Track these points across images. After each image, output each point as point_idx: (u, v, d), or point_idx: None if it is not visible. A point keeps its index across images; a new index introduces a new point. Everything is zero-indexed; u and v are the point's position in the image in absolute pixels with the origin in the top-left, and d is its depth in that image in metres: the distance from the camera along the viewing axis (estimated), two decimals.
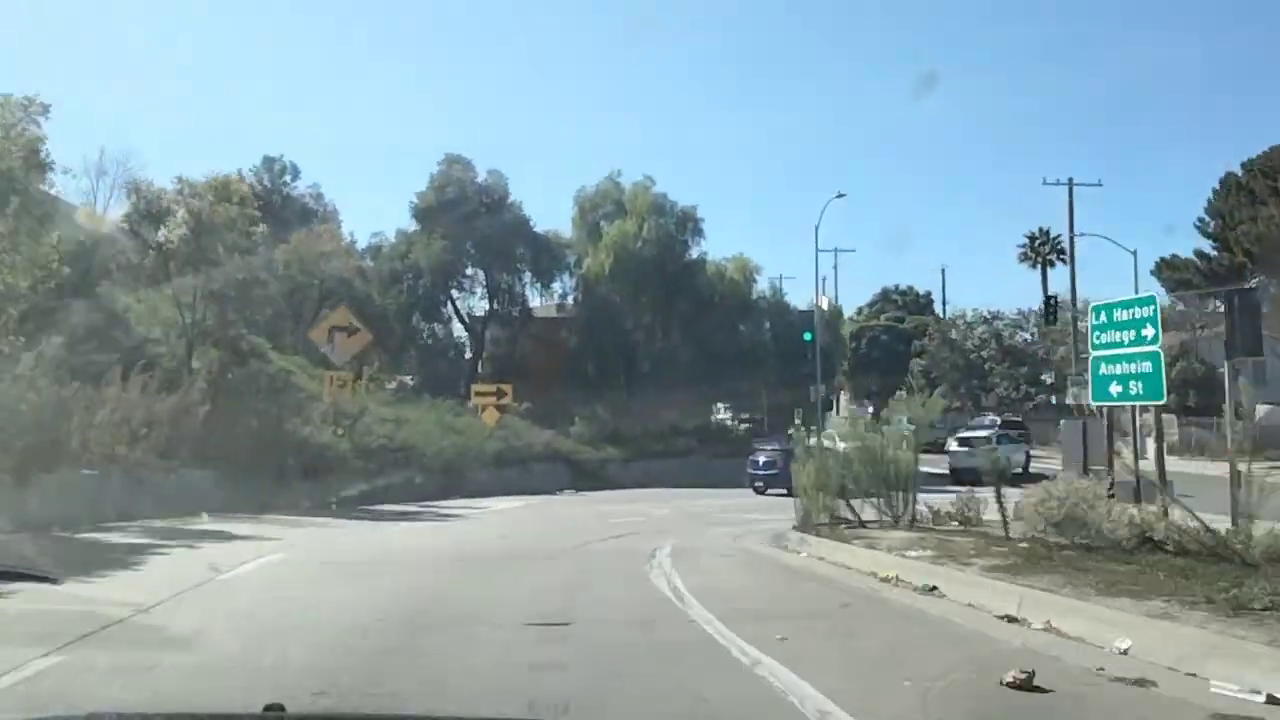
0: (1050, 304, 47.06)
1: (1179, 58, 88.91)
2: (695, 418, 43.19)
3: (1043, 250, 79.41)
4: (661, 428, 41.24)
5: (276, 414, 25.90)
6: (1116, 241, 64.45)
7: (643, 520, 22.50)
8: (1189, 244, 67.08)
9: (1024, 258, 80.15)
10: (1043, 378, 56.21)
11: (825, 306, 41.80)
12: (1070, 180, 53.18)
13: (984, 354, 59.15)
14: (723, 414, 49.42)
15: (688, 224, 42.29)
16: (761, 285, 44.85)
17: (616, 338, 41.74)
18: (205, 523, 18.91)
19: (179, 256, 25.40)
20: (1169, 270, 68.29)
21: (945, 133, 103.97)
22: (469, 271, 44.16)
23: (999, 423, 46.70)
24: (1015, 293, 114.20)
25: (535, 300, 45.88)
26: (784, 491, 28.49)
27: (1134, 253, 53.97)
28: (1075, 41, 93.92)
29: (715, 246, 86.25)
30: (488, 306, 44.94)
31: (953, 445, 42.25)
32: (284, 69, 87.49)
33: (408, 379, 42.63)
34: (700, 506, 26.99)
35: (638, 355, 41.94)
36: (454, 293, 44.66)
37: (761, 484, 32.55)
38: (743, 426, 49.43)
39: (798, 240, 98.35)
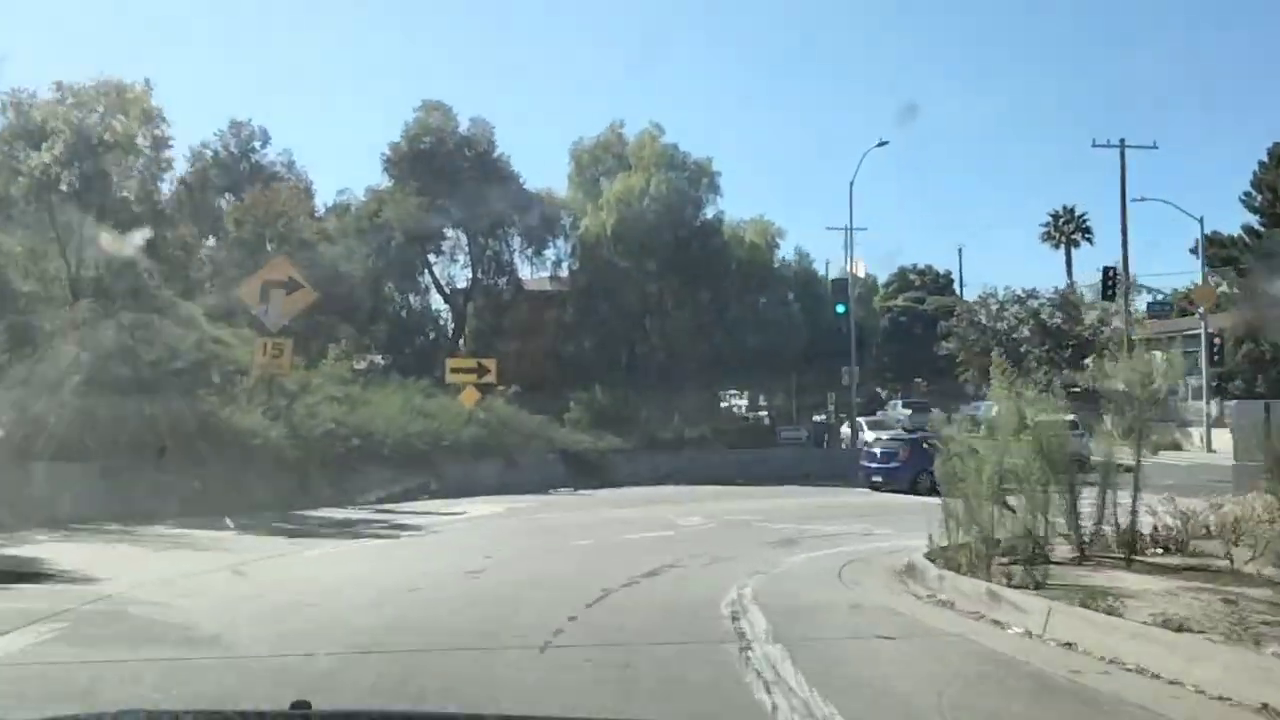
0: (1109, 276, 41.09)
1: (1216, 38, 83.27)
2: (710, 403, 37.18)
3: (1066, 229, 73.63)
4: (671, 415, 35.16)
5: (189, 392, 19.65)
6: (1180, 206, 58.85)
7: (673, 536, 16.46)
8: (1234, 219, 61.59)
9: (1047, 237, 74.46)
10: (1086, 361, 50.20)
11: (861, 273, 35.87)
12: (1122, 142, 47.35)
13: (1018, 335, 53.13)
14: (741, 399, 43.45)
15: (702, 179, 36.02)
16: (784, 252, 38.78)
17: (619, 310, 35.53)
18: None
19: (58, 186, 19.20)
20: (1214, 247, 62.49)
21: (967, 109, 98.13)
22: (449, 234, 37.83)
23: None
24: (1036, 274, 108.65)
25: (526, 270, 39.61)
26: (900, 490, 24.98)
27: (1200, 219, 48.39)
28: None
29: (733, 207, 76.00)
30: (471, 276, 38.66)
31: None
32: (247, 21, 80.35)
33: (379, 358, 36.35)
34: (738, 511, 20.95)
35: (644, 331, 35.79)
36: (431, 259, 38.33)
37: (880, 479, 26.77)
38: (762, 413, 43.40)
39: (817, 208, 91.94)
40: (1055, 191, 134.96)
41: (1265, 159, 60.37)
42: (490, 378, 28.05)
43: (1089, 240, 72.86)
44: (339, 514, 18.85)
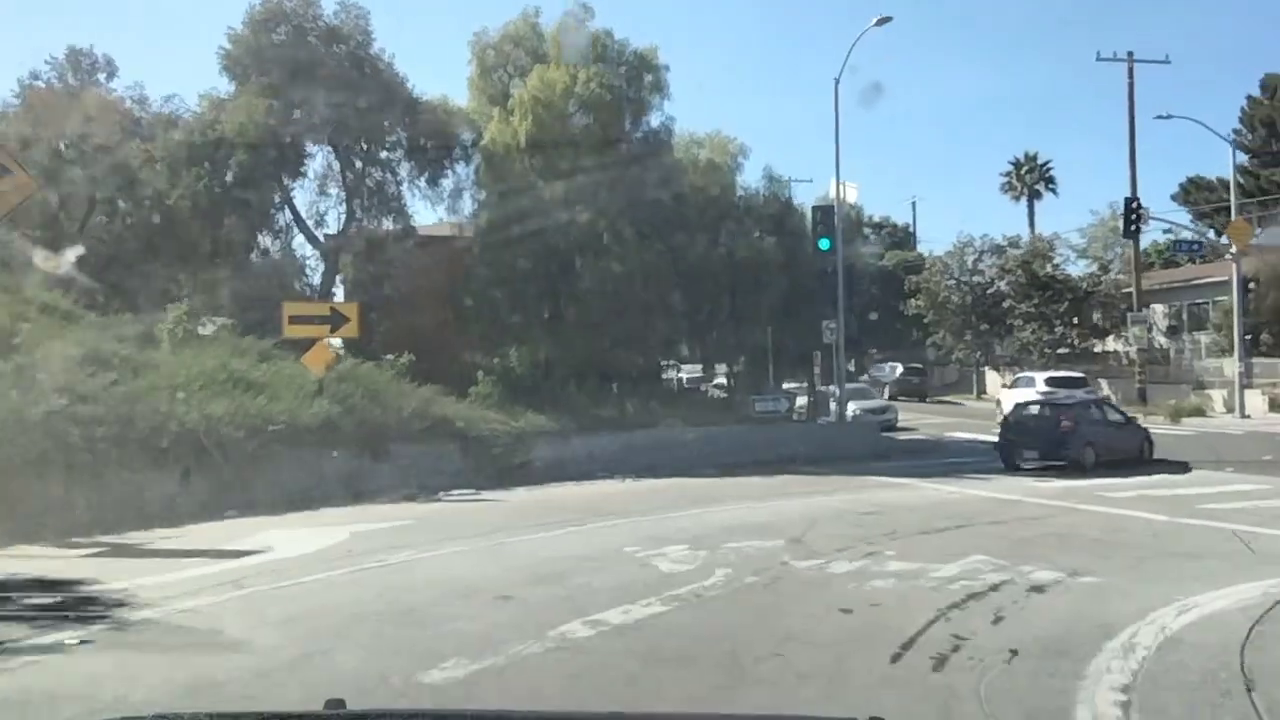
0: (1133, 209, 33.45)
1: None
2: (659, 370, 28.71)
3: (1028, 179, 66.57)
4: (610, 386, 26.57)
5: None
6: (1207, 125, 51.74)
7: (665, 617, 8.00)
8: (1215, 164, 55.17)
9: (1008, 188, 67.36)
10: (1096, 317, 42.86)
11: (852, 198, 27.61)
12: (1130, 55, 39.90)
13: (996, 291, 45.58)
14: (697, 365, 35.06)
15: (644, 77, 27.15)
16: (749, 178, 30.26)
17: (539, 250, 26.63)
18: None
19: None
20: (1199, 191, 55.86)
21: (923, 56, 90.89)
22: (313, 155, 28.57)
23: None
24: (994, 228, 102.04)
25: (420, 206, 30.61)
26: (1058, 465, 20.27)
27: (1231, 142, 40.98)
28: None
29: (685, 117, 67.00)
30: (345, 212, 29.42)
31: (1023, 396, 29.08)
32: None
33: (224, 321, 26.90)
34: (741, 527, 12.86)
35: (572, 276, 26.99)
36: (291, 188, 29.04)
37: (1038, 453, 21.18)
38: (717, 382, 34.98)
39: (789, 121, 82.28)
40: (1015, 140, 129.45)
41: (1259, 92, 54.16)
42: (351, 329, 19.08)
43: (1053, 191, 65.96)
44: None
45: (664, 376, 34.41)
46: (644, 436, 22.84)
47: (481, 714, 4.09)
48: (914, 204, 65.85)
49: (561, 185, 26.43)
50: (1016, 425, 22.80)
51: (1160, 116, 35.11)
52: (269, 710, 3.92)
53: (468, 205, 29.24)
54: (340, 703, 2.38)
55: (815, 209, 26.97)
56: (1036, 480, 19.33)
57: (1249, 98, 54.24)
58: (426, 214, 33.27)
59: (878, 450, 25.47)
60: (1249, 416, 34.21)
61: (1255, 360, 36.70)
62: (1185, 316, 43.53)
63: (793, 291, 28.02)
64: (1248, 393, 35.41)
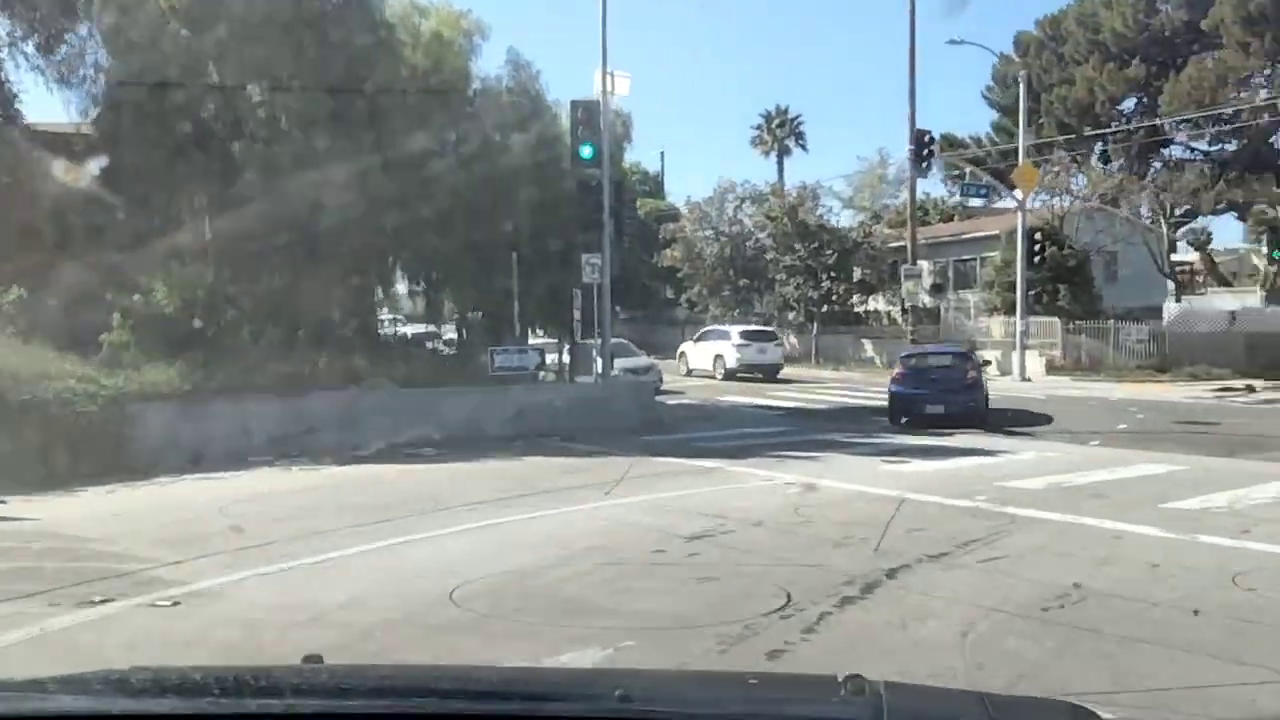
0: (924, 140, 29.31)
1: None
2: (358, 309, 21.35)
3: (779, 133, 63.33)
4: (294, 333, 19.13)
5: None
6: (990, 49, 48.45)
7: None
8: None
9: (758, 141, 63.90)
10: (861, 271, 38.92)
11: (626, 92, 21.26)
12: None
13: (762, 239, 41.15)
14: (418, 305, 27.66)
15: None
16: (489, 66, 23.44)
17: (193, 151, 18.80)
18: None
19: None
20: (952, 149, 53.86)
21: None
22: None
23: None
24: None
25: (31, 84, 21.74)
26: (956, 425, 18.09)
27: (1025, 73, 37.86)
28: None
29: None
30: None
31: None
32: None
33: None
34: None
35: (240, 186, 19.22)
36: None
37: (942, 409, 19.30)
38: (448, 336, 27.91)
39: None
40: (766, 91, 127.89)
41: (1012, 48, 52.68)
42: None
43: (803, 147, 63.05)
44: None
45: (384, 330, 27.27)
46: (328, 403, 15.73)
47: (470, 670, 3.93)
48: (662, 154, 60.90)
49: (226, 64, 18.67)
50: (915, 376, 20.63)
51: (952, 41, 31.31)
52: (245, 666, 3.60)
53: (88, 77, 20.59)
54: (318, 658, 2.30)
55: (576, 106, 20.47)
56: (899, 464, 13.92)
57: (1000, 55, 52.80)
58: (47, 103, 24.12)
59: (654, 419, 19.61)
60: (1029, 379, 31.27)
61: (1045, 320, 33.90)
62: (952, 274, 40.81)
63: (545, 215, 21.52)
64: (1026, 354, 32.58)
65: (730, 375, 31.72)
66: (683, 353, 35.79)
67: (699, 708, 1.97)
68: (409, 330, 31.74)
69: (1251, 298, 37.70)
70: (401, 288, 25.89)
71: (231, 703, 1.86)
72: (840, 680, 1.86)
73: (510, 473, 13.07)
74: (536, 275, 21.44)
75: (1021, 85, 32.96)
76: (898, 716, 1.74)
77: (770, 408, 23.69)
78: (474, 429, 16.54)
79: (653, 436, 17.34)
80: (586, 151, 20.38)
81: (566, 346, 23.56)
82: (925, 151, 29.04)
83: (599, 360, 20.79)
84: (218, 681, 2.03)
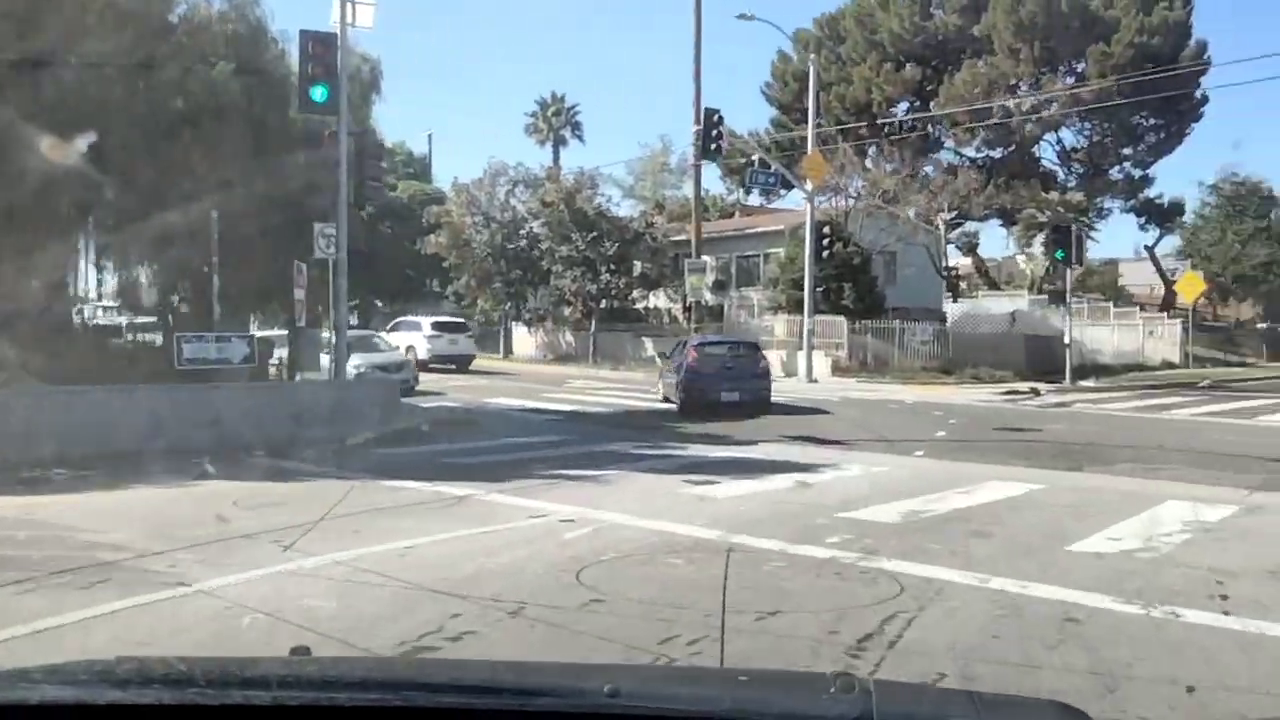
0: (714, 122, 26.58)
1: None
2: (40, 291, 16.12)
3: (555, 122, 60.10)
4: None
5: None
6: (780, 28, 46.49)
7: None
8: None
9: (533, 130, 60.36)
10: (642, 265, 35.97)
11: (365, 22, 16.97)
12: None
13: (535, 229, 37.62)
14: (100, 276, 22.06)
15: None
16: None
17: None
18: None
19: None
20: (731, 147, 52.17)
21: None
22: None
23: None
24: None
25: None
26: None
27: (812, 62, 35.86)
28: None
29: None
30: None
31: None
32: None
33: None
34: None
35: None
36: None
37: (738, 396, 19.46)
38: (141, 320, 22.59)
39: None
40: (543, 78, 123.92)
41: (790, 45, 51.52)
42: None
43: (579, 138, 60.06)
44: None
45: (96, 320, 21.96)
46: None
47: (459, 664, 3.77)
48: (430, 137, 56.14)
49: None
50: (709, 363, 20.37)
51: (742, 16, 28.83)
52: (232, 657, 3.28)
53: None
54: (305, 649, 2.31)
55: (306, 37, 16.18)
56: (706, 486, 10.52)
57: (779, 52, 51.62)
58: None
59: (397, 428, 15.66)
60: (816, 380, 29.30)
61: (832, 319, 31.99)
62: (735, 271, 38.73)
63: (267, 175, 17.10)
64: (812, 354, 30.64)
65: (422, 367, 28.71)
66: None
67: (688, 704, 1.91)
68: (124, 320, 26.11)
69: (1021, 301, 37.59)
70: (91, 264, 20.52)
71: (217, 694, 1.82)
72: (830, 676, 1.81)
73: (161, 510, 8.91)
74: (254, 249, 16.99)
75: (811, 69, 31.05)
76: (887, 714, 1.71)
77: (545, 411, 20.22)
78: (146, 440, 12.13)
79: (393, 450, 13.50)
80: (319, 93, 16.23)
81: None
82: (714, 133, 26.36)
83: (328, 355, 16.63)
84: (204, 673, 1.96)
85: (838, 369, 30.88)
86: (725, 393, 19.41)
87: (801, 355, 30.00)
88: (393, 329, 33.61)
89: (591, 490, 10.30)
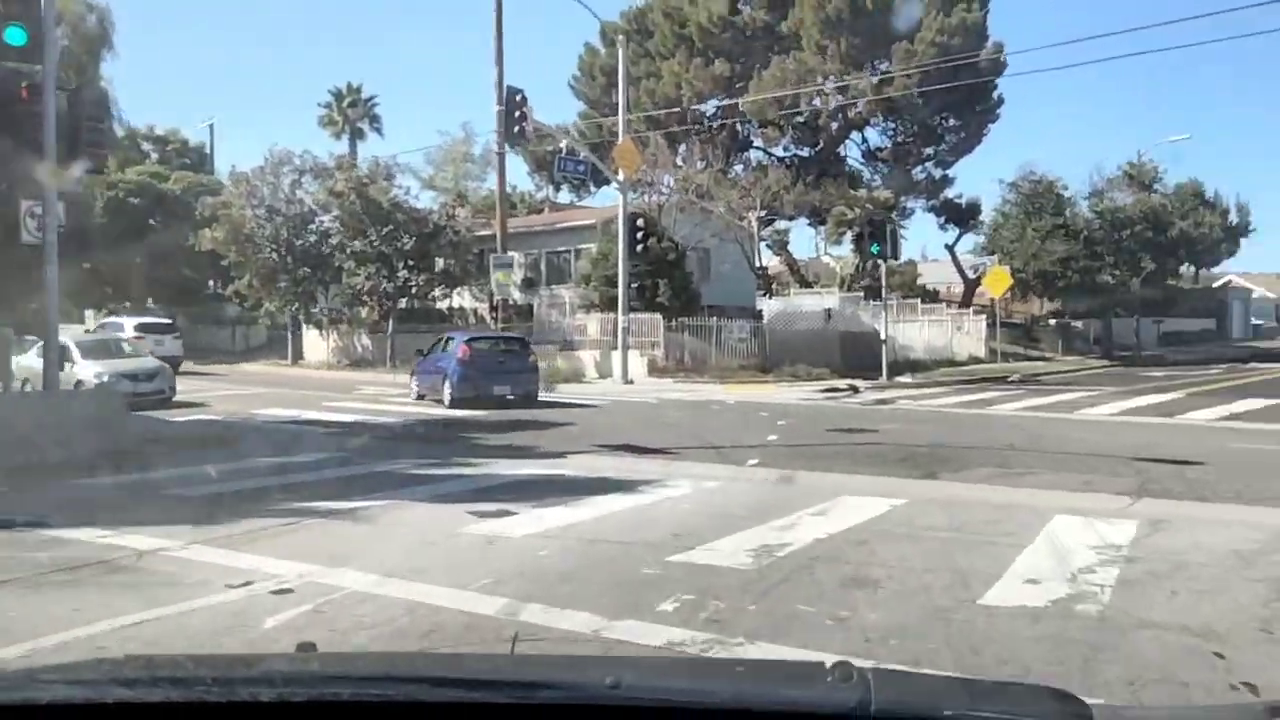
0: (517, 101, 23.95)
1: None
2: None
3: (351, 114, 56.02)
4: None
5: None
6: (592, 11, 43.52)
7: None
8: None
9: (328, 121, 56.01)
10: (445, 261, 32.80)
11: None
12: None
13: (326, 222, 33.96)
14: None
15: None
16: None
17: None
18: None
19: None
20: (538, 142, 49.61)
21: None
22: None
23: None
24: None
25: None
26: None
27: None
28: None
29: None
30: None
31: None
32: None
33: None
34: None
35: None
36: None
37: (509, 388, 20.19)
38: None
39: None
40: (340, 67, 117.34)
41: (598, 39, 49.42)
42: None
43: (378, 130, 56.21)
44: None
45: None
46: None
47: (460, 658, 3.80)
48: (211, 126, 50.77)
49: None
50: (482, 358, 20.52)
51: None
52: (238, 654, 3.80)
53: None
54: (311, 645, 2.37)
55: None
56: (495, 520, 7.82)
57: (587, 45, 49.46)
58: None
59: (119, 449, 12.32)
60: (632, 382, 27.23)
61: (646, 317, 29.89)
62: (545, 268, 36.21)
63: None
64: (627, 353, 28.57)
65: None
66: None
67: (688, 695, 1.89)
68: None
69: (832, 299, 36.78)
70: None
71: (223, 691, 1.81)
72: (828, 667, 1.80)
73: None
74: None
75: (621, 51, 28.89)
76: (884, 701, 1.70)
77: (322, 423, 17.15)
78: None
79: (97, 480, 10.30)
80: (15, 36, 12.72)
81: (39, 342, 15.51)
82: (518, 114, 23.81)
83: (39, 360, 13.15)
84: (210, 670, 2.01)
85: (655, 369, 28.91)
86: (498, 386, 19.90)
87: (616, 355, 27.87)
88: (99, 329, 31.32)
89: (341, 534, 7.59)
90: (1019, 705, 1.93)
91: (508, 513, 8.44)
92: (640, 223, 27.60)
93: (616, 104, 44.06)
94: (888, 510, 8.55)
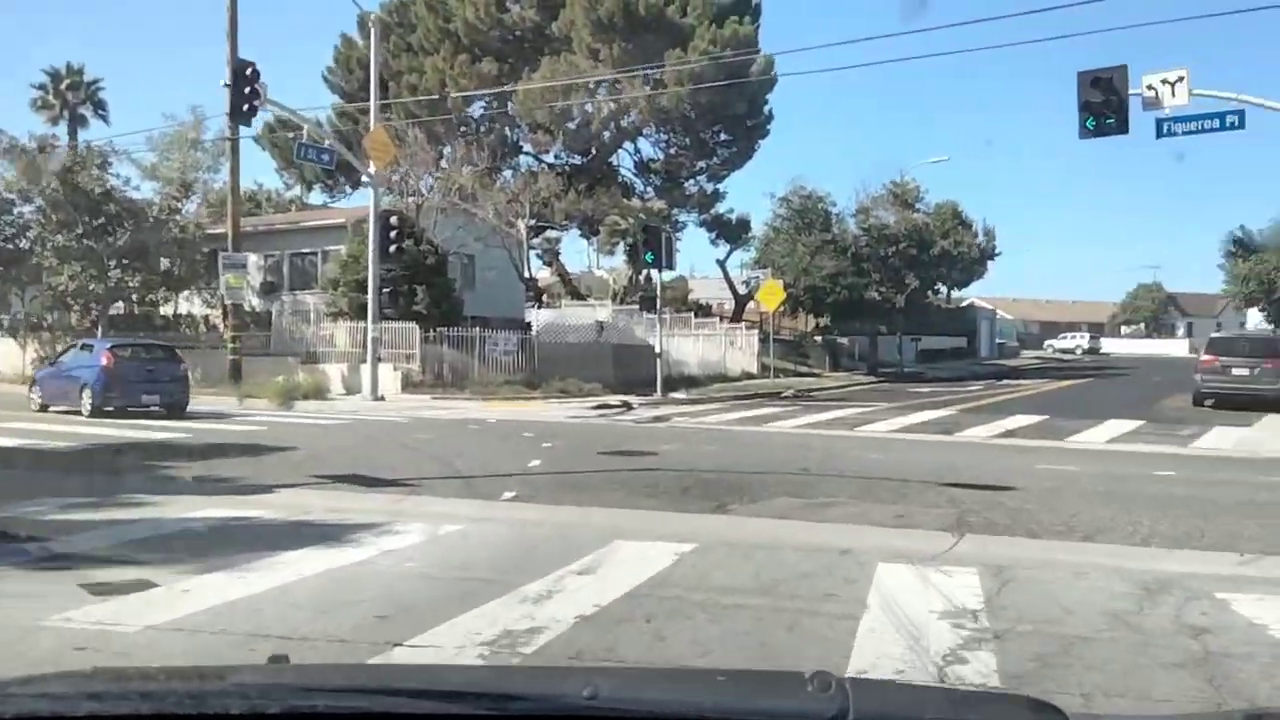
0: (247, 75, 20.71)
1: None
2: None
3: (71, 97, 49.75)
4: None
5: None
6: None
7: None
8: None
9: (42, 105, 49.43)
10: (171, 262, 28.53)
11: None
12: None
13: (26, 214, 29.00)
14: None
15: None
16: None
17: None
18: None
19: None
20: (283, 129, 45.37)
21: None
22: None
23: None
24: None
25: None
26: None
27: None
28: None
29: None
30: None
31: None
32: None
33: None
34: None
35: None
36: None
37: (158, 397, 19.82)
38: None
39: None
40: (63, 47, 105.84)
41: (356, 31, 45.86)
42: None
43: (103, 118, 50.15)
44: None
45: None
46: None
47: (438, 669, 3.68)
48: None
49: None
50: (130, 366, 19.74)
51: None
52: (210, 665, 3.54)
53: None
54: (284, 658, 2.32)
55: None
56: (119, 593, 5.25)
57: (343, 36, 45.80)
58: None
59: None
60: (383, 398, 24.44)
61: (398, 326, 27.05)
62: (289, 271, 32.56)
63: None
64: (377, 367, 25.70)
65: None
66: None
67: (667, 706, 1.89)
68: None
69: (604, 311, 35.25)
70: None
71: (194, 703, 1.78)
72: (807, 677, 1.79)
73: None
74: None
75: (374, 31, 26.07)
76: (863, 710, 1.70)
77: None
78: None
79: None
80: None
81: None
82: (249, 90, 20.63)
83: None
84: (181, 682, 2.00)
85: (410, 384, 26.19)
86: (146, 394, 19.44)
87: (366, 369, 24.99)
88: None
89: None
90: (998, 714, 1.94)
91: (145, 584, 5.87)
92: (394, 221, 24.84)
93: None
94: (674, 562, 6.61)
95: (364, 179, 25.25)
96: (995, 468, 11.76)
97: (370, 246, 24.60)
